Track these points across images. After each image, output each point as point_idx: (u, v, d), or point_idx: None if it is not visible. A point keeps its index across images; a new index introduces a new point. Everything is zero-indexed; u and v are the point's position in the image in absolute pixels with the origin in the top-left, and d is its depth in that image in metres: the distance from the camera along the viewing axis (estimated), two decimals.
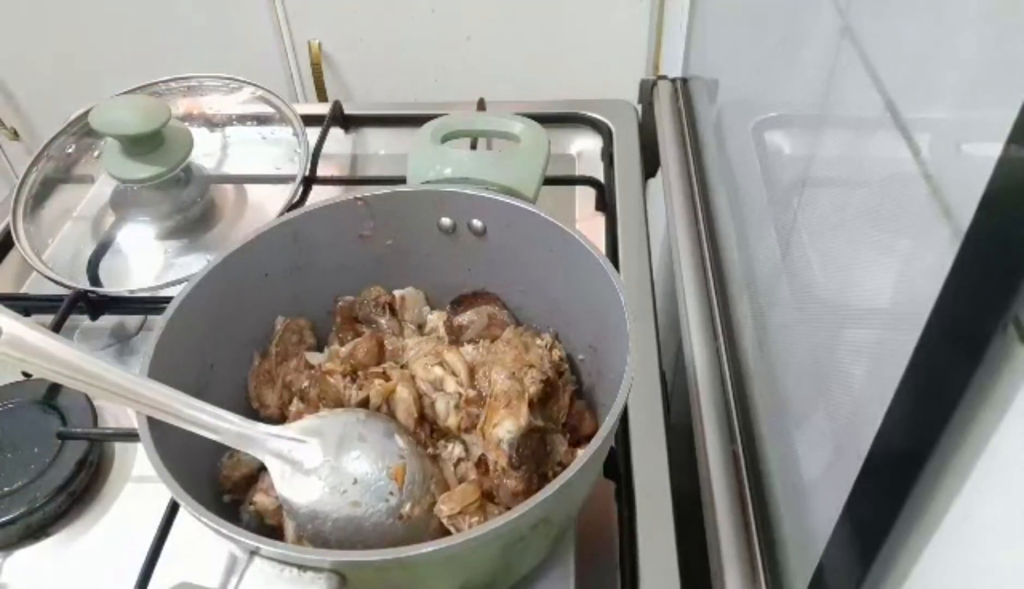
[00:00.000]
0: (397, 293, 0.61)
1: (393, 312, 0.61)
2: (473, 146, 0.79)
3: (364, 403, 0.52)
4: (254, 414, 0.56)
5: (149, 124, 0.74)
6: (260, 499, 0.50)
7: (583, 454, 0.42)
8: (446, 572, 0.43)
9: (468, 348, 0.57)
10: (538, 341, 0.56)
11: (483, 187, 0.60)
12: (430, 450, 0.51)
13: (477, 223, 0.60)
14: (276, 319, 0.59)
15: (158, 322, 0.50)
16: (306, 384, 0.56)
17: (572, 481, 0.41)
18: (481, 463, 0.50)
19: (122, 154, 0.76)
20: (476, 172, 0.62)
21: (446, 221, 0.60)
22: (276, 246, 0.57)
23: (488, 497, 0.48)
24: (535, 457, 0.49)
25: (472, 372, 0.54)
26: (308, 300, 0.60)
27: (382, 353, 0.57)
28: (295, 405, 0.55)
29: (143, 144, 0.75)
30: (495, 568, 0.46)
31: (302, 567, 0.40)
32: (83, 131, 0.86)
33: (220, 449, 0.52)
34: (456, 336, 0.59)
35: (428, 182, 0.61)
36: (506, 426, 0.49)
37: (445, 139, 0.68)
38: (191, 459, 0.47)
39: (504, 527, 0.40)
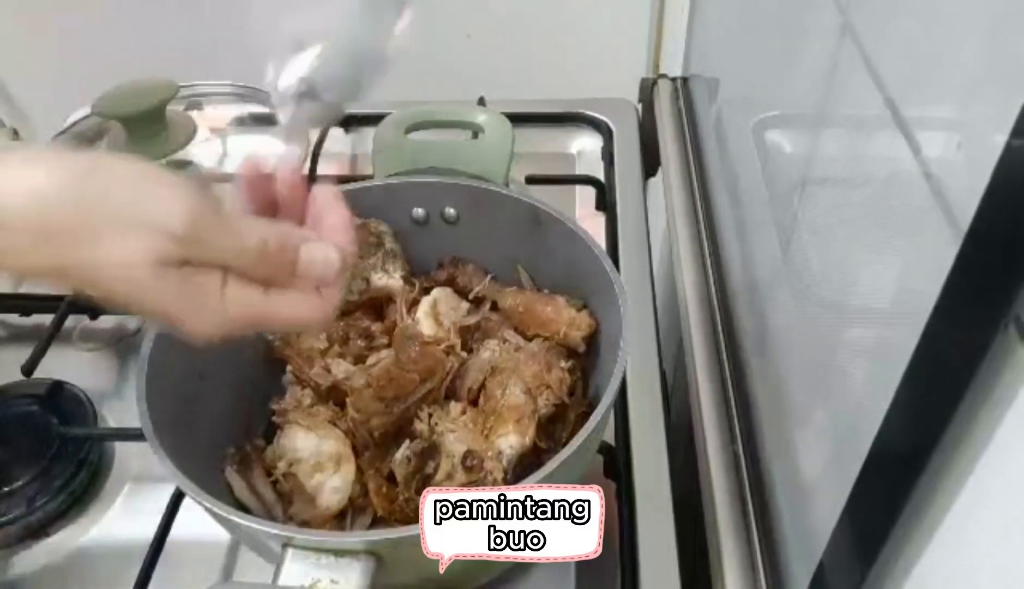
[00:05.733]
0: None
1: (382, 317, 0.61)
2: None
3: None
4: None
5: (153, 98, 0.74)
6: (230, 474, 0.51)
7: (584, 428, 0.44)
8: None
9: (492, 343, 0.57)
10: (562, 363, 0.55)
11: (451, 175, 0.60)
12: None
13: (450, 211, 0.60)
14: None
15: (144, 345, 0.49)
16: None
17: (574, 454, 0.43)
18: (473, 465, 0.49)
19: (125, 144, 0.76)
20: (443, 161, 0.62)
21: (419, 212, 0.60)
22: None
23: None
24: (527, 474, 0.49)
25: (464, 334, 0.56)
26: None
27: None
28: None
29: (146, 126, 0.75)
30: None
31: (338, 552, 0.40)
32: (83, 131, 0.86)
33: (221, 447, 0.52)
34: (464, 339, 0.59)
35: (396, 174, 0.61)
36: (510, 441, 0.49)
37: (409, 130, 0.69)
38: (195, 460, 0.46)
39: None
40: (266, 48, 0.44)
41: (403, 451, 0.49)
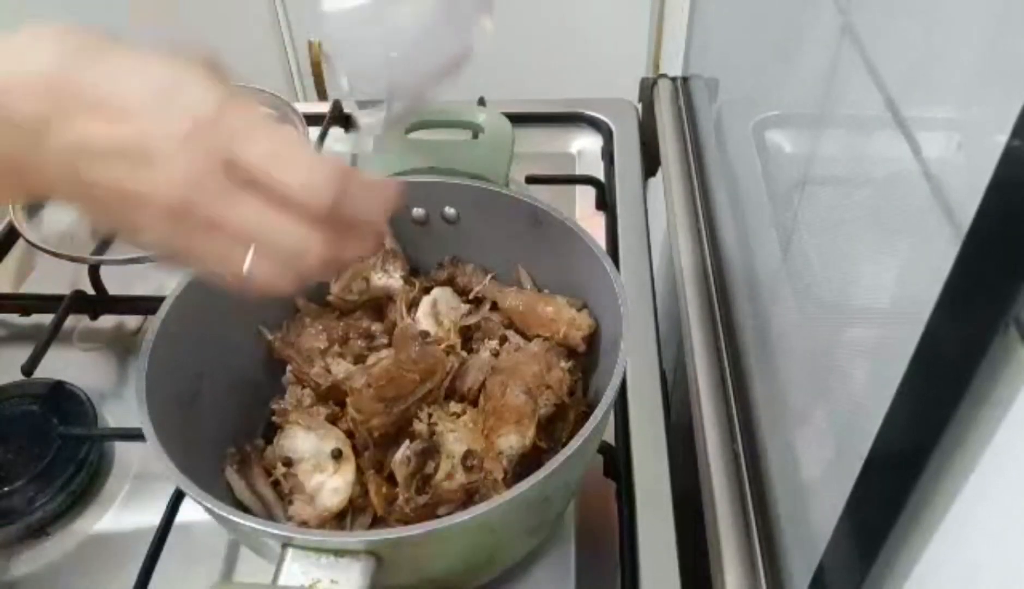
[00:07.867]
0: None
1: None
2: None
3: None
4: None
5: None
6: (230, 474, 0.51)
7: (586, 427, 0.43)
8: (477, 541, 0.44)
9: (492, 343, 0.57)
10: (562, 363, 0.55)
11: (451, 175, 0.60)
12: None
13: (449, 211, 0.60)
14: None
15: (143, 345, 0.49)
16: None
17: (575, 454, 0.43)
18: (473, 465, 0.49)
19: None
20: (442, 161, 0.62)
21: (418, 212, 0.61)
22: None
23: (470, 495, 0.49)
24: (527, 474, 0.49)
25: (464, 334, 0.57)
26: (289, 303, 0.60)
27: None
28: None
29: None
30: (518, 533, 0.48)
31: (338, 552, 0.40)
32: None
33: (221, 447, 0.52)
34: (464, 339, 0.59)
35: (396, 174, 0.62)
36: (511, 441, 0.49)
37: (409, 130, 0.69)
38: (195, 460, 0.46)
39: (530, 490, 0.41)
40: (341, 54, 0.44)
41: (403, 451, 0.49)
